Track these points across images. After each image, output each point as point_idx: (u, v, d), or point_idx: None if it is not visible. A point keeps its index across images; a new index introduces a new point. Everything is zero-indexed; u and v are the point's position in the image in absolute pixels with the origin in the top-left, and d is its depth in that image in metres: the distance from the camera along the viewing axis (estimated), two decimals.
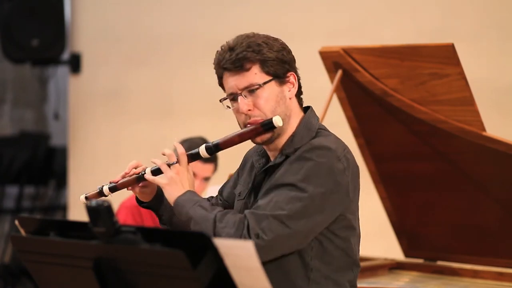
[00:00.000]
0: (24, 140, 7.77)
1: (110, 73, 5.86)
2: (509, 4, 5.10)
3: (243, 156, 2.57)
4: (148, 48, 5.77)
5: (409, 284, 3.39)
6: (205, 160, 3.88)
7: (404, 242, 3.69)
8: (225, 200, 2.56)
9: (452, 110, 3.22)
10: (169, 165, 2.37)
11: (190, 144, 3.47)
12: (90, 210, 1.80)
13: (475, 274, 3.45)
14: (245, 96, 2.33)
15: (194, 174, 3.69)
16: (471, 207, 3.46)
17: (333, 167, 2.27)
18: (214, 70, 2.39)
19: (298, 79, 2.40)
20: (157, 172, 2.39)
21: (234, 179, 2.57)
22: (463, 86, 3.16)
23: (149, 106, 5.77)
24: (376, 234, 4.54)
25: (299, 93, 2.41)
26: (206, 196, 2.63)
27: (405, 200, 3.64)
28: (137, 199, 2.53)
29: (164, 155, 2.40)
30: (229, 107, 2.39)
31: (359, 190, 2.37)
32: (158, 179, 2.37)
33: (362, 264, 3.51)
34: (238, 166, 2.57)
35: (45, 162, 7.57)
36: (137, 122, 5.74)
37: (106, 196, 2.46)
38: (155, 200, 2.49)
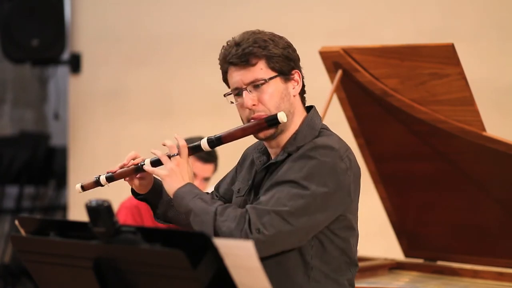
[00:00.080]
0: (24, 140, 7.77)
1: (110, 73, 5.86)
2: (509, 4, 5.10)
3: (241, 151, 2.57)
4: (148, 48, 5.77)
5: (409, 284, 3.39)
6: (205, 161, 3.88)
7: (404, 242, 3.69)
8: (221, 196, 2.56)
9: (452, 110, 3.22)
10: (169, 157, 2.36)
11: (190, 143, 3.46)
12: (90, 210, 1.80)
13: (475, 274, 3.45)
14: (250, 91, 2.34)
15: (194, 175, 3.69)
16: (471, 207, 3.46)
17: (336, 167, 2.28)
18: (219, 65, 2.40)
19: (302, 78, 2.41)
20: (156, 163, 2.38)
21: (232, 176, 2.57)
22: (463, 86, 3.16)
23: (149, 106, 5.77)
24: (376, 234, 4.54)
25: (302, 92, 2.42)
26: None
27: (405, 200, 3.64)
28: (132, 191, 2.51)
29: (165, 146, 2.39)
30: (233, 102, 2.39)
31: (359, 191, 2.38)
32: (158, 170, 2.36)
33: (362, 264, 3.52)
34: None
35: (45, 162, 7.57)
36: (137, 122, 5.74)
37: (102, 185, 2.45)
38: (151, 193, 2.49)
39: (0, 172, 7.39)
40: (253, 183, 2.42)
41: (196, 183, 3.65)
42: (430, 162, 3.46)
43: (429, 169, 3.50)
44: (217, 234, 2.22)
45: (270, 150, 2.43)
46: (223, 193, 2.56)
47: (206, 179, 3.91)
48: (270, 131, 2.35)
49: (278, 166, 2.36)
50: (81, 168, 5.91)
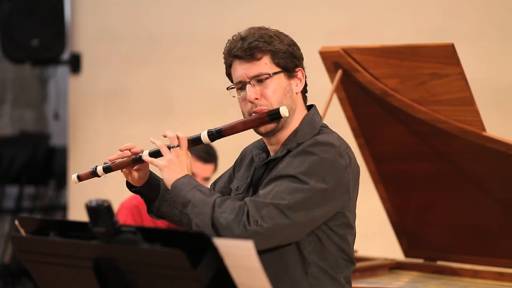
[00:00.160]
0: (24, 140, 7.76)
1: (110, 73, 5.86)
2: (509, 4, 5.10)
3: (240, 152, 2.58)
4: (148, 48, 5.77)
5: (409, 284, 3.39)
6: (205, 161, 3.88)
7: (404, 242, 3.69)
8: None
9: (452, 110, 3.22)
10: (169, 148, 2.36)
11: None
12: (90, 210, 1.80)
13: (475, 274, 3.45)
14: (253, 85, 2.35)
15: (194, 175, 3.69)
16: (471, 207, 3.46)
17: (335, 163, 2.29)
18: (224, 59, 2.41)
19: (305, 77, 2.42)
20: (155, 154, 2.38)
21: (229, 174, 2.57)
22: (463, 86, 3.16)
23: (149, 106, 5.77)
24: (376, 234, 4.54)
25: (304, 91, 2.44)
26: None
27: (405, 200, 3.64)
28: (127, 183, 2.51)
29: (165, 137, 2.39)
30: (235, 97, 2.40)
31: (358, 190, 2.38)
32: (157, 161, 2.36)
33: (362, 264, 3.52)
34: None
35: (45, 162, 7.57)
36: (137, 122, 5.73)
37: (99, 176, 2.45)
38: (147, 186, 2.48)
39: (0, 172, 7.39)
40: (252, 180, 2.43)
41: None
42: (430, 162, 3.46)
43: (429, 169, 3.50)
44: (214, 225, 2.22)
45: (269, 147, 2.43)
46: (219, 191, 2.55)
47: (206, 179, 3.91)
48: (271, 126, 2.35)
49: (277, 162, 2.36)
50: (81, 168, 5.84)
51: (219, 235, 2.21)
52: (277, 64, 2.36)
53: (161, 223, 3.62)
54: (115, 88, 5.83)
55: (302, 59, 2.42)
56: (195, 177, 3.73)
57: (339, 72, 3.36)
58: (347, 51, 3.34)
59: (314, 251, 2.32)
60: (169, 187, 2.34)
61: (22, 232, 2.01)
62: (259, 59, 2.34)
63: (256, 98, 2.34)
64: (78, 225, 1.91)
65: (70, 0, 5.94)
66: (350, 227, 2.37)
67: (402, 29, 5.16)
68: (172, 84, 5.72)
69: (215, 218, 2.23)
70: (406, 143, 3.46)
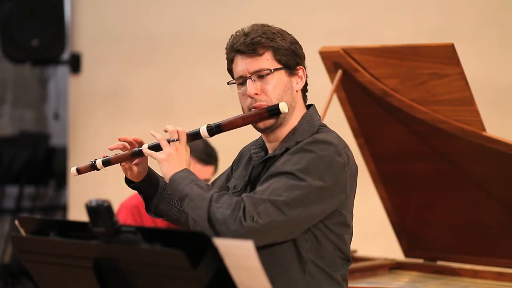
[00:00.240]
0: (24, 140, 7.76)
1: (110, 73, 5.86)
2: (509, 4, 5.10)
3: (238, 152, 2.58)
4: (148, 48, 5.77)
5: (409, 284, 3.39)
6: (205, 162, 3.87)
7: (404, 242, 3.69)
8: None
9: (452, 110, 3.22)
10: (168, 142, 2.36)
11: (189, 144, 3.46)
12: (90, 210, 1.80)
13: (475, 274, 3.45)
14: (254, 80, 2.36)
15: None
16: (471, 207, 3.46)
17: (333, 162, 2.30)
18: (226, 54, 2.42)
19: (306, 76, 2.43)
20: (154, 148, 2.38)
21: (227, 174, 2.57)
22: (463, 86, 3.16)
23: (149, 106, 5.77)
24: (376, 234, 4.54)
25: (304, 90, 2.45)
26: None
27: (405, 200, 3.64)
28: (126, 179, 2.51)
29: (166, 131, 2.39)
30: (235, 92, 2.41)
31: (355, 189, 2.39)
32: (156, 154, 2.36)
33: (362, 264, 3.52)
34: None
35: (45, 162, 7.57)
36: (137, 122, 5.73)
37: (98, 169, 2.45)
38: (145, 182, 2.49)
39: (0, 172, 7.39)
40: (250, 178, 2.43)
41: None
42: (430, 162, 3.46)
43: (429, 169, 3.50)
44: (210, 220, 2.23)
45: (268, 145, 2.44)
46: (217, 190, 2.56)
47: (206, 181, 3.91)
48: (270, 121, 2.36)
49: (275, 160, 2.37)
50: None
51: (215, 230, 2.21)
52: (279, 61, 2.37)
53: (161, 223, 3.62)
54: (115, 88, 5.83)
55: (304, 58, 2.43)
56: None
57: (339, 72, 3.36)
58: (347, 51, 3.34)
59: (311, 249, 2.33)
60: (167, 181, 2.35)
61: (22, 232, 2.01)
62: (261, 54, 2.35)
63: (256, 94, 2.35)
64: (78, 225, 1.91)
65: (70, 0, 5.94)
66: (347, 226, 2.38)
67: (402, 29, 5.16)
68: (172, 84, 5.72)
69: (212, 213, 2.23)
70: (406, 143, 3.46)
